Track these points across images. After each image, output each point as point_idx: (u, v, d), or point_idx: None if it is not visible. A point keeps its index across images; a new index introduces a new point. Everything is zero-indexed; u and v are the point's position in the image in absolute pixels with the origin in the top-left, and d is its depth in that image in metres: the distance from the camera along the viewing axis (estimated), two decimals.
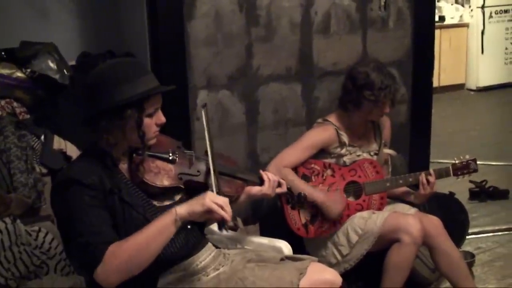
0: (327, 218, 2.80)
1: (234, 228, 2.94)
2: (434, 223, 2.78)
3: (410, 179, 2.89)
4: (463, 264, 2.82)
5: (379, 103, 2.76)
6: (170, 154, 1.98)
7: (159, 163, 1.94)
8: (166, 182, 1.90)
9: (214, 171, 1.96)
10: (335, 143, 2.89)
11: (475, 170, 2.95)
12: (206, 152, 2.03)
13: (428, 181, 2.84)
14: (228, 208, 1.78)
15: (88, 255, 1.70)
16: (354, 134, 2.93)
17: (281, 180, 2.33)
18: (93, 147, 1.87)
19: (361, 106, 2.79)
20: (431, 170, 2.88)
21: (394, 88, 2.78)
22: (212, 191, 1.90)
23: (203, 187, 1.98)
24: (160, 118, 1.89)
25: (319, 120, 2.99)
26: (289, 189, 2.39)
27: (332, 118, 2.94)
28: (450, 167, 2.92)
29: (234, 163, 2.27)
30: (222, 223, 1.79)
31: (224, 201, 1.79)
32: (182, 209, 1.76)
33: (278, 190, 2.30)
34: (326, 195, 2.81)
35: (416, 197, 2.95)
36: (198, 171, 2.02)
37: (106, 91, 1.78)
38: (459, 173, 2.93)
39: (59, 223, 1.90)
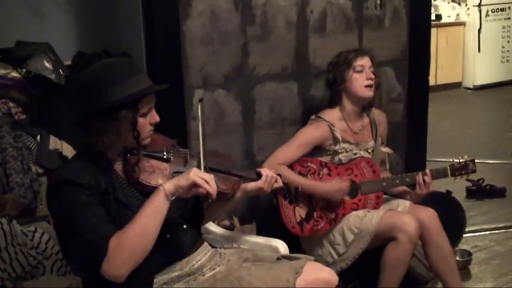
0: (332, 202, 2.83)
1: (231, 227, 2.94)
2: (429, 214, 2.79)
3: (407, 179, 2.89)
4: (453, 259, 2.83)
5: (353, 67, 2.87)
6: (165, 153, 1.97)
7: (154, 162, 1.94)
8: (161, 181, 1.90)
9: (203, 149, 1.96)
10: (329, 140, 2.89)
11: (473, 171, 2.95)
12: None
13: (424, 181, 2.84)
14: (212, 183, 1.82)
15: (91, 253, 1.71)
16: (350, 129, 2.94)
17: (277, 176, 2.33)
18: (88, 148, 1.87)
19: (344, 82, 2.89)
20: (427, 170, 2.87)
21: (357, 48, 3.01)
22: (200, 168, 1.91)
23: None
24: (154, 117, 1.89)
25: (313, 117, 3.00)
26: (285, 184, 2.39)
27: (325, 114, 2.94)
28: (448, 167, 2.91)
29: (229, 160, 2.27)
30: (207, 199, 1.83)
31: (209, 176, 1.82)
32: (169, 185, 1.79)
33: (275, 185, 2.30)
34: (323, 188, 2.82)
35: (412, 196, 2.95)
36: None
37: (99, 92, 1.78)
38: (457, 173, 2.92)
39: (56, 224, 1.90)
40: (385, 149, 3.08)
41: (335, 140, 2.90)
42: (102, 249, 1.70)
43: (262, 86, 3.21)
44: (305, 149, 2.88)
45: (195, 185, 1.79)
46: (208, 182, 1.80)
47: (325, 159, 2.91)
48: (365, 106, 3.01)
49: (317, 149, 2.92)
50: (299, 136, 2.91)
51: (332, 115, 2.94)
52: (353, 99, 2.92)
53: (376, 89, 2.93)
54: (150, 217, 1.75)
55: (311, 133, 2.91)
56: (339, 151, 2.90)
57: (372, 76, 2.88)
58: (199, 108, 2.02)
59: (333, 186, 2.82)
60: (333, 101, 2.98)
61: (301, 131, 2.96)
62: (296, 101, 3.32)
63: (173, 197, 1.80)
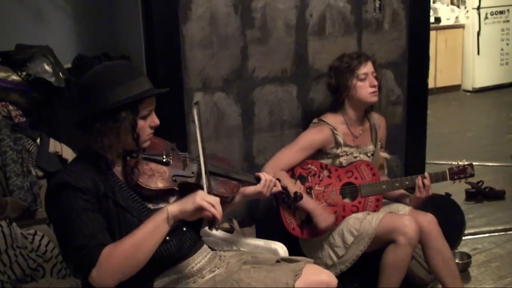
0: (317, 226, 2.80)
1: (230, 230, 2.94)
2: (428, 219, 2.79)
3: (407, 182, 2.90)
4: (453, 263, 2.83)
5: (356, 75, 2.86)
6: (164, 156, 1.98)
7: (153, 165, 1.94)
8: (160, 185, 1.91)
9: (205, 170, 1.96)
10: (331, 143, 2.90)
11: (472, 175, 2.96)
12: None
13: (424, 184, 2.84)
14: (218, 206, 1.80)
15: (83, 258, 1.70)
16: (351, 133, 2.95)
17: (276, 180, 2.34)
18: (87, 151, 1.87)
19: (347, 90, 2.87)
20: (426, 174, 2.88)
21: (359, 53, 2.96)
22: (204, 190, 1.91)
23: (198, 189, 1.98)
24: (154, 120, 1.89)
25: (315, 120, 3.01)
26: (285, 188, 2.39)
27: (328, 118, 2.95)
28: (447, 171, 2.92)
29: (229, 163, 2.28)
30: (212, 222, 1.80)
31: (215, 199, 1.80)
32: (174, 208, 1.78)
33: (274, 189, 2.30)
34: (317, 206, 2.80)
35: (411, 200, 2.95)
36: (192, 173, 2.03)
37: (100, 94, 1.78)
38: (455, 177, 2.93)
39: (54, 227, 1.90)
40: (384, 154, 3.09)
41: (337, 144, 2.90)
42: (93, 257, 1.69)
43: (262, 89, 3.21)
44: (307, 152, 2.88)
45: (201, 209, 1.77)
46: (214, 206, 1.78)
47: (326, 161, 2.92)
48: (366, 110, 3.02)
49: (318, 152, 2.92)
50: (302, 139, 2.92)
51: (334, 119, 2.95)
52: (356, 105, 2.93)
53: (379, 92, 2.94)
54: (148, 236, 1.74)
55: (313, 136, 2.92)
56: (340, 154, 2.91)
57: (376, 83, 2.88)
58: (195, 111, 2.03)
59: (323, 212, 2.79)
60: (335, 107, 2.98)
61: (303, 134, 2.97)
62: (296, 104, 3.33)
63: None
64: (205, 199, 1.78)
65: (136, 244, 1.72)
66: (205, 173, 1.96)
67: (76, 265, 1.78)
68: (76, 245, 1.70)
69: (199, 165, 1.98)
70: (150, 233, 1.74)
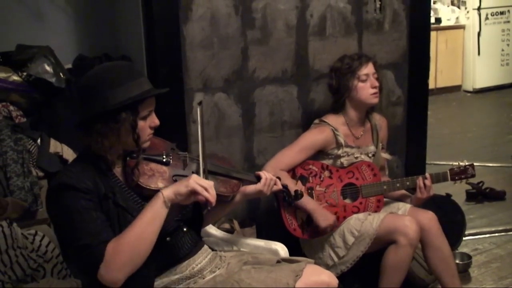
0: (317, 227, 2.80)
1: (231, 231, 2.94)
2: (428, 217, 2.79)
3: (408, 183, 2.90)
4: (453, 262, 2.83)
5: (357, 76, 2.86)
6: (164, 156, 1.98)
7: (153, 165, 1.94)
8: (160, 184, 1.91)
9: (202, 156, 1.96)
10: (332, 144, 2.90)
11: (473, 175, 2.96)
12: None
13: (425, 184, 2.84)
14: (212, 190, 1.81)
15: (88, 258, 1.71)
16: (352, 134, 2.95)
17: (277, 179, 2.33)
18: (87, 151, 1.87)
19: (348, 91, 2.88)
20: (427, 174, 2.88)
21: (360, 54, 2.96)
22: (199, 174, 1.91)
23: None
24: (154, 120, 1.90)
25: (316, 121, 3.01)
26: (285, 186, 2.39)
27: (329, 119, 2.95)
28: (448, 171, 2.92)
29: (229, 163, 2.28)
30: (205, 205, 1.83)
31: (208, 183, 1.82)
32: (168, 191, 1.79)
33: (274, 188, 2.30)
34: (317, 206, 2.80)
35: (412, 200, 2.95)
36: (192, 172, 2.03)
37: (100, 95, 1.78)
38: (456, 177, 2.94)
39: (55, 228, 1.90)
40: (385, 155, 3.09)
41: (338, 145, 2.90)
42: (99, 254, 1.70)
43: (262, 90, 3.21)
44: (307, 153, 2.88)
45: (194, 192, 1.79)
46: (207, 189, 1.80)
47: (327, 162, 2.92)
48: (367, 111, 3.02)
49: (319, 153, 2.92)
50: (303, 140, 2.92)
51: (335, 120, 2.95)
52: (357, 106, 2.93)
53: (380, 93, 2.94)
54: (148, 223, 1.75)
55: (314, 137, 2.92)
56: (341, 155, 2.91)
57: (377, 84, 2.89)
58: (198, 111, 2.03)
59: (323, 212, 2.79)
60: (336, 108, 2.98)
61: (304, 134, 2.97)
62: (296, 105, 3.33)
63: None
64: (199, 183, 1.79)
65: (139, 234, 1.73)
66: (203, 159, 1.96)
67: (82, 265, 1.77)
68: (80, 245, 1.70)
69: (199, 163, 1.98)
70: (150, 220, 1.75)
